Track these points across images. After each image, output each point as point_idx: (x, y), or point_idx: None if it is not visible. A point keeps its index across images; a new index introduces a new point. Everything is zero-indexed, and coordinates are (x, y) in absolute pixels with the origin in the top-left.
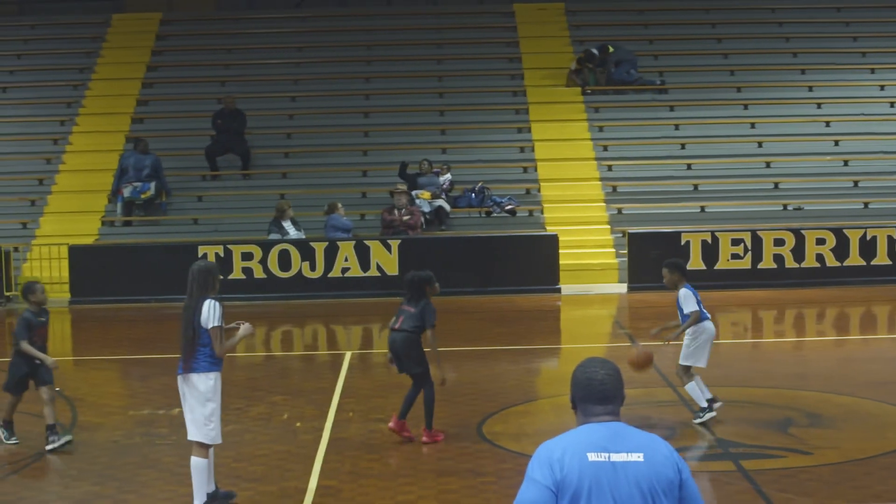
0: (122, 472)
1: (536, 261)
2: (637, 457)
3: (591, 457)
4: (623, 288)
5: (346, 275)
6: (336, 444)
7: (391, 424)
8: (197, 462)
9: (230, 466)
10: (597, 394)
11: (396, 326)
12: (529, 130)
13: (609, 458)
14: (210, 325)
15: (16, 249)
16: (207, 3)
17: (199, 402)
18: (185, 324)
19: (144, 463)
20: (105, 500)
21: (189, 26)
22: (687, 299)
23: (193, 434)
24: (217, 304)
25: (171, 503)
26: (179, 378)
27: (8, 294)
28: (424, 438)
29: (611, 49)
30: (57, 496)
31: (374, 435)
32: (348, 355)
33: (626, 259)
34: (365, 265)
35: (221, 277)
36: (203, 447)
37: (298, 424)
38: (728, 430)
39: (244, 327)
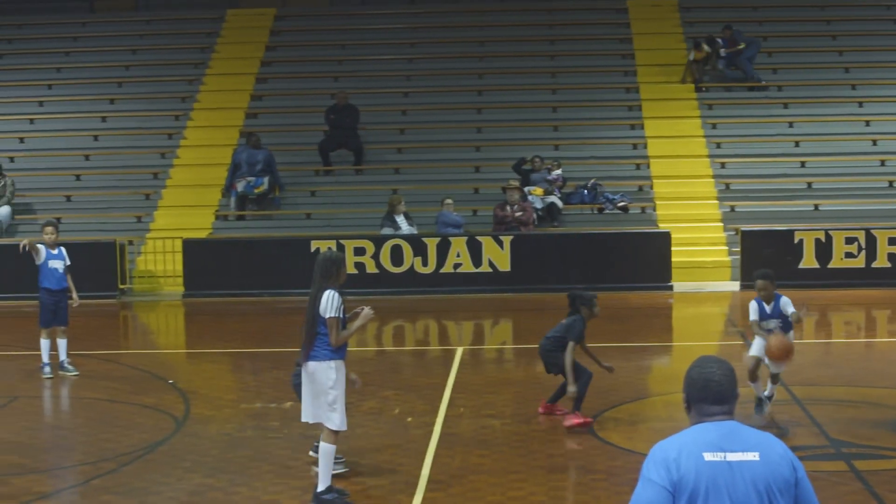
0: (234, 465)
1: (649, 258)
2: (753, 456)
3: (708, 456)
4: (736, 286)
5: (457, 270)
6: (447, 440)
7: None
8: (325, 447)
9: None
10: (713, 394)
11: (548, 333)
12: (642, 127)
13: (725, 457)
14: (327, 316)
15: (130, 243)
16: None
17: (321, 390)
18: (307, 313)
19: (256, 456)
20: (217, 492)
21: (303, 21)
22: (787, 304)
23: (319, 418)
24: (336, 294)
25: (282, 496)
26: (303, 367)
27: (122, 286)
28: (572, 420)
29: (741, 45)
30: (169, 488)
31: (486, 431)
32: (459, 351)
33: (738, 257)
34: (477, 261)
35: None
36: (332, 433)
37: (409, 419)
38: (841, 430)
39: (364, 313)
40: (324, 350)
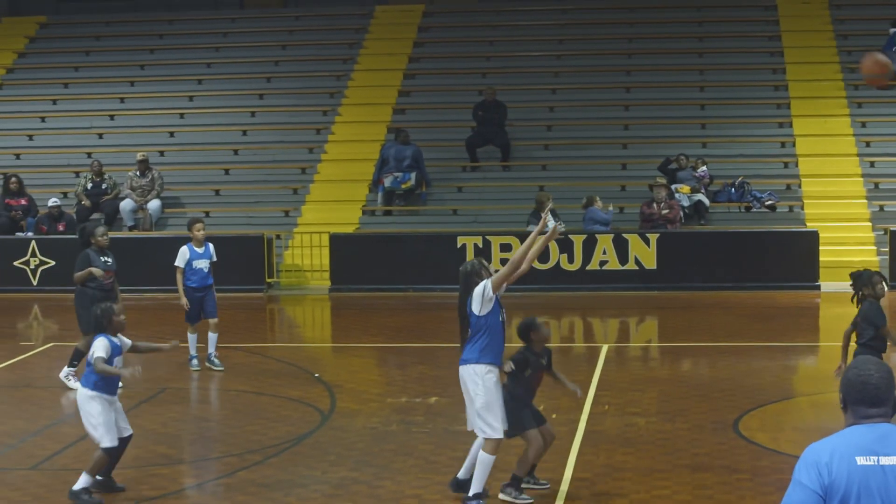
0: (379, 459)
1: (796, 257)
2: None
3: (860, 461)
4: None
5: (603, 268)
6: (591, 437)
7: None
8: (482, 456)
9: None
10: (871, 397)
11: None
12: (791, 125)
13: (879, 461)
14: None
15: (278, 237)
16: None
17: (469, 395)
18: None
19: (401, 450)
20: (361, 485)
21: (451, 18)
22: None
23: (473, 425)
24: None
25: (426, 491)
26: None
27: (270, 280)
28: None
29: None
30: (314, 480)
31: (630, 429)
32: (605, 348)
33: (886, 257)
34: (623, 258)
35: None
36: (488, 442)
37: (554, 416)
38: None
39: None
40: (470, 353)
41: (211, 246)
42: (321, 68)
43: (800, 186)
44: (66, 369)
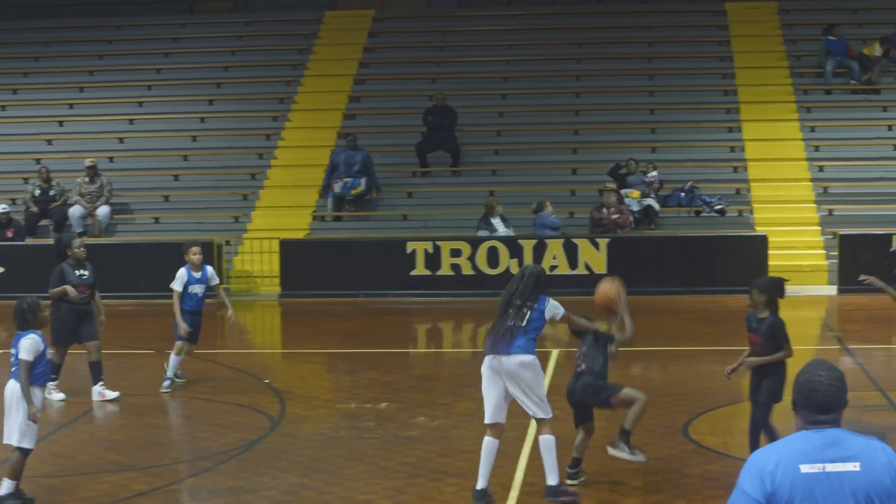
0: (328, 465)
1: (745, 261)
2: (853, 466)
3: (805, 468)
4: (832, 290)
5: (553, 272)
6: None
7: None
8: (548, 440)
9: (435, 461)
10: (819, 403)
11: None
12: (740, 130)
13: (824, 468)
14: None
15: (228, 243)
16: (419, 1)
17: (524, 384)
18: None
19: (350, 456)
20: (311, 491)
21: (401, 23)
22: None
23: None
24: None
25: (376, 496)
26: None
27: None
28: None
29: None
30: (264, 486)
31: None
32: (555, 353)
33: (836, 261)
34: (573, 263)
35: (431, 273)
36: (548, 422)
37: (504, 422)
38: None
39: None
40: (529, 346)
41: (209, 269)
42: (271, 74)
43: (749, 191)
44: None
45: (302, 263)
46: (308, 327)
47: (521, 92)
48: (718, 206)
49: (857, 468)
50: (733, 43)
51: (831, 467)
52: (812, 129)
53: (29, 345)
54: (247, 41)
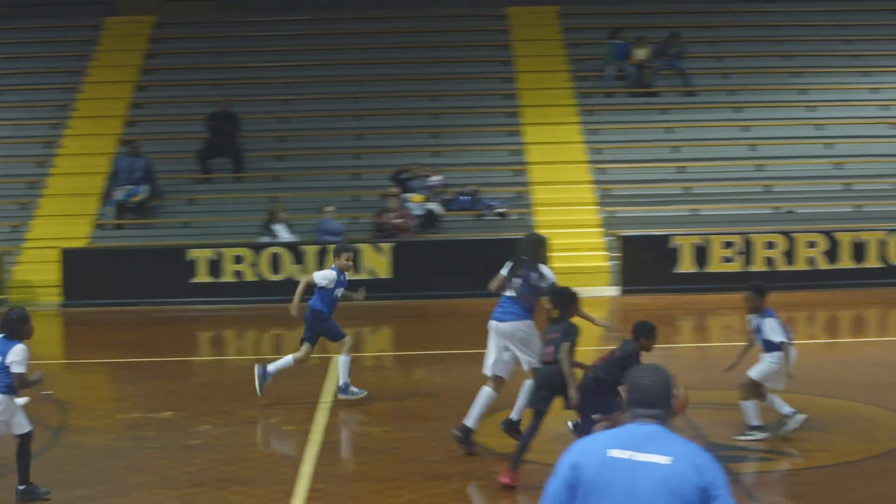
0: (112, 476)
1: None
2: (664, 459)
3: (613, 453)
4: (615, 291)
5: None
6: (326, 447)
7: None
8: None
9: (219, 469)
10: (642, 398)
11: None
12: (521, 133)
13: (632, 456)
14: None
15: (7, 253)
16: (201, 6)
17: (522, 342)
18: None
19: (133, 466)
20: (93, 503)
21: (183, 29)
22: (774, 329)
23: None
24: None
25: None
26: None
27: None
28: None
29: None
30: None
31: (365, 438)
32: (337, 359)
33: (618, 262)
34: (355, 267)
35: (213, 281)
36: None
37: (288, 428)
38: (718, 433)
39: None
40: (524, 311)
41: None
42: (50, 80)
43: (530, 194)
44: None
45: (84, 272)
46: (90, 337)
47: (304, 97)
48: (500, 210)
49: (668, 462)
50: (514, 47)
51: (641, 457)
52: (594, 131)
53: (24, 356)
54: (25, 47)
